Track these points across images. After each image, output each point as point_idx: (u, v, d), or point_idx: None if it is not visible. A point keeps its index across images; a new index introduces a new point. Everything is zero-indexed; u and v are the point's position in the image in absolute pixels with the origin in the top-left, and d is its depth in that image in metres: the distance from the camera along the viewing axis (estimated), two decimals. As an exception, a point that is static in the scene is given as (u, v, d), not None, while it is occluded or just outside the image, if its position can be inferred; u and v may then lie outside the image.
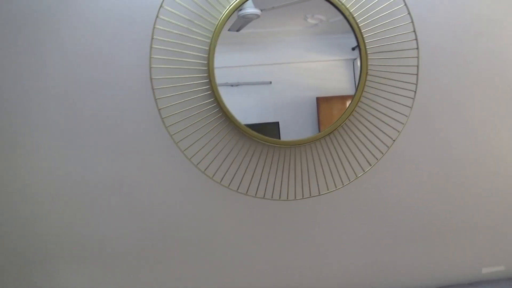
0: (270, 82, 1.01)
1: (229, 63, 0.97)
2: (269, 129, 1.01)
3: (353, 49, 1.02)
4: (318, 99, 1.04)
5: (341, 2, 0.96)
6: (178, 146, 0.96)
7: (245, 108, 0.99)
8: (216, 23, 0.94)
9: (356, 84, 1.00)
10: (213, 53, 0.93)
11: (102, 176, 0.99)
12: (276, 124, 1.02)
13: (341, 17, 0.98)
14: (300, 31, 1.04)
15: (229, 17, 0.94)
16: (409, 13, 0.98)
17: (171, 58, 0.94)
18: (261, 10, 0.97)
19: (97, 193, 0.99)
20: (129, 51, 0.97)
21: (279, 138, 1.00)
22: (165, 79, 0.95)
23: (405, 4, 0.98)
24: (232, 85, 0.99)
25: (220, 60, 0.95)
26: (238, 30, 0.98)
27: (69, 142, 0.98)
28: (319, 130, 1.01)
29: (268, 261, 1.07)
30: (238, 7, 0.94)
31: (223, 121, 0.98)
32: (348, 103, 1.01)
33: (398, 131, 1.02)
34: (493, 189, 1.13)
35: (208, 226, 1.04)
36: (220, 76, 0.95)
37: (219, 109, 0.96)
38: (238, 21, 0.97)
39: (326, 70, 1.06)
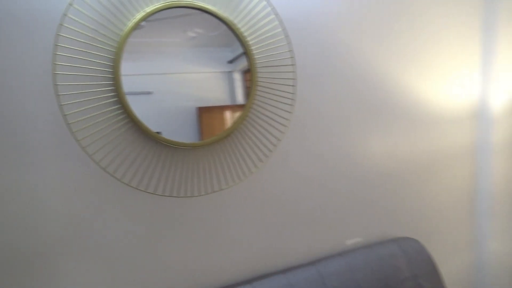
0: (151, 92, 1.11)
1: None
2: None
3: (230, 62, 1.19)
4: (198, 108, 1.17)
5: (242, 35, 1.17)
6: (85, 151, 1.04)
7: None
8: (121, 34, 1.06)
9: (233, 95, 1.19)
10: (119, 62, 1.04)
11: (5, 184, 1.00)
12: (159, 134, 1.12)
13: (218, 32, 1.15)
14: (179, 43, 1.13)
15: (134, 28, 1.07)
16: (286, 38, 1.28)
17: (75, 65, 1.02)
18: (145, 21, 1.07)
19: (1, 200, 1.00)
20: (30, 57, 1.00)
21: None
22: (70, 85, 1.02)
23: (283, 29, 1.27)
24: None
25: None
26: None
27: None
28: (201, 138, 1.16)
29: (172, 254, 1.22)
30: (143, 19, 1.08)
31: (130, 127, 1.10)
32: (227, 112, 1.19)
33: (283, 132, 1.31)
34: (352, 182, 1.51)
35: (118, 226, 1.13)
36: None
37: (126, 115, 1.08)
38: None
39: (205, 81, 1.17)
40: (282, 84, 1.29)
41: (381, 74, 1.50)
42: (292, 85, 1.30)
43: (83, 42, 1.02)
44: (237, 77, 1.22)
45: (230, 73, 1.20)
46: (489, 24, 1.72)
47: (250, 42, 1.21)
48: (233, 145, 1.25)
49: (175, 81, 1.13)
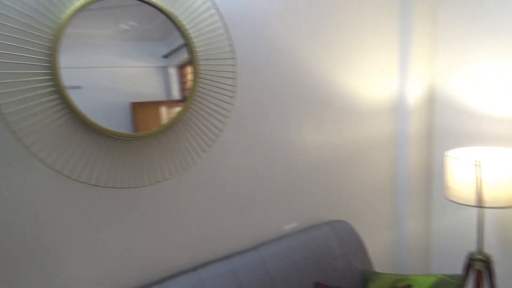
0: (80, 87, 1.06)
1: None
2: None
3: (164, 57, 1.18)
4: (132, 104, 1.14)
5: (184, 27, 1.20)
6: (21, 142, 1.00)
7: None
8: (60, 22, 1.03)
9: (169, 90, 1.20)
10: (57, 51, 1.02)
11: None
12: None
13: (153, 25, 1.15)
14: (112, 35, 1.09)
15: (73, 17, 1.04)
16: (226, 32, 1.34)
17: (9, 52, 0.97)
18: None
19: None
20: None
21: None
22: (3, 73, 0.97)
23: (224, 24, 1.33)
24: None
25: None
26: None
27: None
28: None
29: (116, 246, 1.22)
30: (83, 8, 1.06)
31: (69, 118, 1.07)
32: (162, 108, 1.19)
33: (225, 123, 1.37)
34: (289, 170, 1.62)
35: (57, 220, 1.10)
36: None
37: (65, 106, 1.05)
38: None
39: (139, 76, 1.14)
40: (223, 77, 1.34)
41: (314, 70, 1.62)
42: (233, 78, 1.36)
43: (18, 28, 0.98)
44: (173, 72, 1.23)
45: (165, 68, 1.21)
46: (405, 29, 1.94)
47: (191, 35, 1.24)
48: (177, 136, 1.27)
49: (107, 76, 1.10)
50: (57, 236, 1.11)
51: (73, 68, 1.05)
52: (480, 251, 1.70)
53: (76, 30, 1.05)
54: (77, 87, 1.06)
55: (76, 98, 1.06)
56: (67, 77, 1.04)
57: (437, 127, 2.07)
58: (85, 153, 1.12)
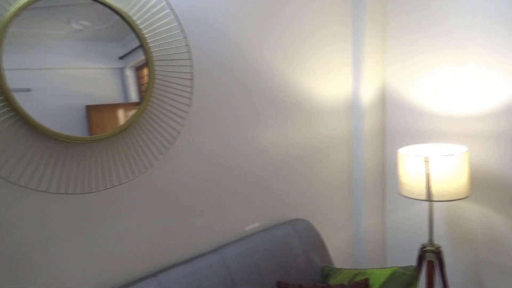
0: (30, 89, 1.02)
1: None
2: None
3: (121, 58, 1.15)
4: (87, 107, 1.10)
5: (138, 27, 1.17)
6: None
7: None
8: (2, 20, 0.97)
9: (126, 92, 1.17)
10: (0, 52, 0.96)
11: None
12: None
13: (106, 25, 1.11)
14: (63, 35, 1.05)
15: (16, 15, 0.99)
16: (182, 32, 1.32)
17: None
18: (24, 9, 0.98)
19: None
20: None
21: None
22: None
23: (179, 24, 1.31)
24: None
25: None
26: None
27: None
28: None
29: (71, 255, 1.16)
30: (27, 5, 1.00)
31: (15, 121, 1.02)
32: (119, 111, 1.16)
33: (182, 125, 1.35)
34: (248, 171, 1.63)
35: (8, 229, 1.04)
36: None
37: (10, 109, 1.00)
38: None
39: (93, 78, 1.10)
40: (180, 78, 1.32)
41: (271, 70, 1.65)
42: (190, 79, 1.35)
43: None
44: (130, 74, 1.20)
45: (121, 69, 1.17)
46: (357, 33, 2.01)
47: (146, 35, 1.22)
48: (133, 139, 1.24)
49: (59, 78, 1.05)
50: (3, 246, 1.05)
51: (21, 69, 1.00)
52: (431, 242, 1.79)
53: (21, 29, 1.00)
54: (26, 90, 1.01)
55: (25, 102, 1.01)
56: (13, 79, 0.99)
57: (389, 126, 2.17)
58: (34, 159, 1.06)
